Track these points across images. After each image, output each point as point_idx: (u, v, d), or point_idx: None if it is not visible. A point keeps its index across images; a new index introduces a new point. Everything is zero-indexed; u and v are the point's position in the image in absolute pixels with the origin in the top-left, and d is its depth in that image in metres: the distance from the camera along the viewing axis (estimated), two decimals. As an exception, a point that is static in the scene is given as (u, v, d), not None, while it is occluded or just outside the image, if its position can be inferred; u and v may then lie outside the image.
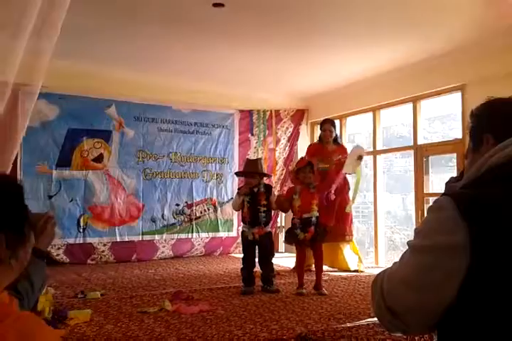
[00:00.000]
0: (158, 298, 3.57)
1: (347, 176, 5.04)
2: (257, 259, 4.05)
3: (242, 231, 4.11)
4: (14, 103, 2.33)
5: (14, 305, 0.74)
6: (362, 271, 4.84)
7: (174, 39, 4.56)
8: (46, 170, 5.24)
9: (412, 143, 5.41)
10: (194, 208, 6.15)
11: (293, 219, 4.00)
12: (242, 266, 4.03)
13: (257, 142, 6.66)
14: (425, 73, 5.09)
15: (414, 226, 5.36)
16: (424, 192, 5.16)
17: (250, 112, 6.60)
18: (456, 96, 4.95)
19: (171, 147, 6.04)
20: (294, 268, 4.77)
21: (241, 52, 4.94)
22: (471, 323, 0.81)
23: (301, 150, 6.84)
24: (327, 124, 5.03)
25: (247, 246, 4.03)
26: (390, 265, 0.97)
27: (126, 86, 5.53)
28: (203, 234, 6.19)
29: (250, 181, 4.02)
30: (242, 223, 4.22)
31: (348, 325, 2.77)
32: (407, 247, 0.93)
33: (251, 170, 4.05)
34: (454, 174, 4.95)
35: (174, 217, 6.02)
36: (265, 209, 3.97)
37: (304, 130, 6.99)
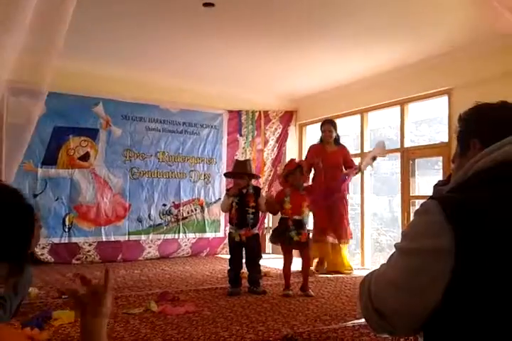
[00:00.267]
0: (144, 298, 3.54)
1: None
2: (244, 261, 4.04)
3: (229, 233, 4.10)
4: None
5: None
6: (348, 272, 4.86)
7: (163, 39, 4.54)
8: (31, 168, 5.16)
9: (399, 146, 5.47)
10: (181, 208, 6.12)
11: (282, 219, 3.97)
12: (228, 267, 4.02)
13: (245, 143, 6.65)
14: (413, 77, 5.15)
15: (401, 229, 5.41)
16: (411, 194, 5.21)
17: (239, 113, 6.60)
18: (443, 100, 5.01)
19: (158, 146, 6.01)
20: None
21: (231, 53, 4.93)
22: (456, 326, 0.82)
23: (290, 152, 6.87)
24: (327, 125, 5.01)
25: (234, 247, 4.02)
26: (376, 266, 0.98)
27: (114, 84, 5.48)
28: (190, 235, 6.16)
29: (239, 182, 4.01)
30: (229, 224, 4.20)
31: (334, 326, 2.78)
32: (395, 249, 0.94)
33: (240, 171, 4.04)
34: (440, 177, 5.02)
35: (161, 217, 5.98)
36: (253, 210, 3.95)
37: (293, 131, 7.01)
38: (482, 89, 4.14)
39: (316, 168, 4.90)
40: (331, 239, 4.83)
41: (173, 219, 6.05)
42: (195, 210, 6.23)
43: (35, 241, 1.31)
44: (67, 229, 5.36)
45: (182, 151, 6.18)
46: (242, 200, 3.96)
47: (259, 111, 6.71)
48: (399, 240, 0.93)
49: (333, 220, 4.86)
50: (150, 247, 5.88)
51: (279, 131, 6.86)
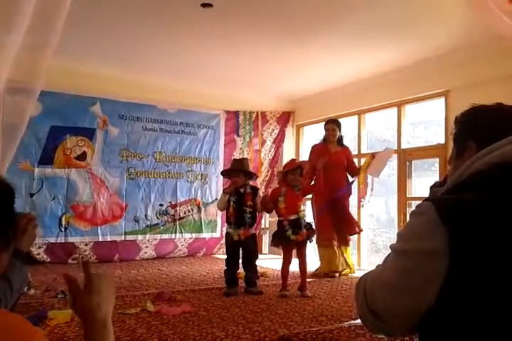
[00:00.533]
0: (140, 298, 3.54)
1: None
2: (240, 261, 4.04)
3: (227, 233, 4.09)
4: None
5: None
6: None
7: (162, 38, 4.54)
8: (28, 167, 5.15)
9: (395, 147, 5.48)
10: (178, 208, 6.11)
11: (280, 221, 3.98)
12: (225, 267, 4.02)
13: (242, 143, 6.66)
14: (410, 79, 5.17)
15: (397, 230, 5.42)
16: (407, 195, 5.22)
17: (236, 113, 6.60)
18: (440, 102, 5.03)
19: (155, 146, 6.00)
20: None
21: (228, 53, 4.94)
22: (450, 326, 0.83)
23: (287, 152, 6.88)
24: (330, 124, 4.93)
25: (231, 247, 4.03)
26: (372, 267, 0.99)
27: (112, 84, 5.47)
28: (187, 235, 6.16)
29: (236, 180, 4.01)
30: (226, 224, 4.20)
31: (330, 327, 2.78)
32: (390, 250, 0.94)
33: (236, 168, 4.05)
34: (437, 178, 5.03)
35: (157, 217, 5.98)
36: (251, 210, 3.96)
37: (290, 132, 7.02)
38: (479, 91, 4.16)
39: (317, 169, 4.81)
40: (335, 243, 4.77)
41: (169, 219, 6.05)
42: (192, 210, 6.23)
43: (31, 239, 1.31)
44: (63, 229, 5.35)
45: (179, 151, 6.17)
46: (240, 199, 3.96)
47: (257, 112, 6.72)
48: (395, 241, 0.94)
49: (337, 223, 4.78)
50: (147, 247, 5.87)
51: (277, 131, 6.86)
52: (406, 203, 5.21)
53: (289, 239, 3.85)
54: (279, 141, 6.88)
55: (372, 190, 4.82)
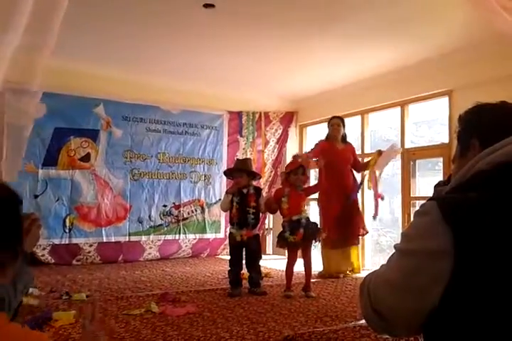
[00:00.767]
0: (145, 299, 3.54)
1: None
2: (244, 261, 4.04)
3: (230, 233, 4.09)
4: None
5: (1, 318, 0.73)
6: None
7: (164, 39, 4.55)
8: (32, 169, 5.17)
9: (399, 147, 5.46)
10: (181, 209, 6.12)
11: (283, 221, 3.98)
12: (229, 268, 4.02)
13: (245, 143, 6.66)
14: (413, 78, 5.15)
15: (401, 230, 5.40)
16: (411, 195, 5.21)
17: (240, 114, 6.60)
18: (444, 101, 5.01)
19: (159, 147, 6.01)
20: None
21: (231, 54, 4.94)
22: (455, 326, 0.82)
23: (290, 153, 6.86)
24: (335, 119, 4.89)
25: (235, 248, 4.02)
26: (376, 267, 0.98)
27: (115, 85, 5.49)
28: (190, 236, 6.16)
29: (239, 180, 4.00)
30: (229, 224, 4.20)
31: (335, 327, 2.77)
32: (394, 250, 0.94)
33: (239, 168, 4.05)
34: (441, 178, 5.00)
35: (161, 218, 5.98)
36: (254, 211, 3.95)
37: (293, 132, 7.01)
38: (482, 91, 4.14)
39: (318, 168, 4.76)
40: (340, 243, 4.74)
41: (173, 220, 6.06)
42: (196, 211, 6.24)
43: (35, 240, 1.31)
44: (67, 230, 5.36)
45: (182, 152, 6.18)
46: (243, 200, 3.95)
47: (260, 112, 6.72)
48: (399, 241, 0.94)
49: (344, 224, 4.72)
50: (150, 248, 5.88)
51: (280, 132, 6.86)
52: (410, 203, 5.19)
53: (287, 240, 3.84)
54: (282, 141, 6.87)
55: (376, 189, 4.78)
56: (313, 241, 3.97)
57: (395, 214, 6.38)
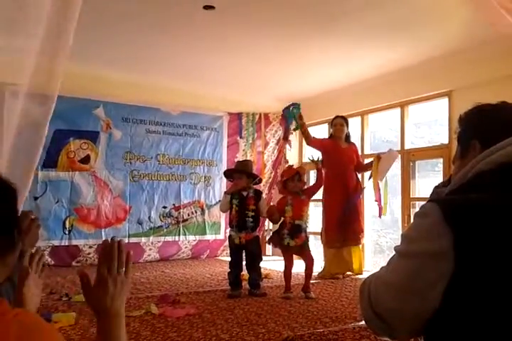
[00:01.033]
0: (144, 301, 3.54)
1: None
2: (244, 263, 4.03)
3: (230, 235, 4.09)
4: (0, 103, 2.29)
5: (5, 304, 0.74)
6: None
7: (164, 41, 4.55)
8: (32, 170, 5.16)
9: (399, 148, 5.46)
10: (181, 210, 6.12)
11: (283, 222, 3.97)
12: (229, 269, 4.01)
13: (245, 145, 6.66)
14: (413, 79, 5.15)
15: (401, 230, 5.40)
16: (411, 196, 5.20)
17: (239, 115, 6.60)
18: (443, 102, 5.01)
19: (159, 149, 6.01)
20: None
21: (231, 55, 4.94)
22: (456, 329, 0.82)
23: (290, 154, 6.87)
24: (338, 119, 4.88)
25: (235, 250, 4.02)
26: (376, 269, 0.98)
27: (115, 87, 5.48)
28: (190, 237, 6.16)
29: (238, 182, 4.00)
30: (229, 227, 4.19)
31: (335, 328, 2.77)
32: (394, 252, 0.94)
33: (239, 170, 4.04)
34: (441, 179, 4.99)
35: (161, 220, 5.98)
36: (253, 214, 3.94)
37: (293, 133, 6.99)
38: (482, 91, 4.14)
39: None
40: (341, 244, 4.74)
41: (173, 222, 6.05)
42: (196, 212, 6.23)
43: (34, 239, 1.30)
44: (67, 232, 5.36)
45: (182, 154, 6.18)
46: (243, 203, 3.95)
47: (260, 114, 6.72)
48: (399, 242, 0.93)
49: (346, 225, 4.73)
50: (150, 249, 5.87)
51: (280, 133, 6.86)
52: (410, 204, 5.19)
53: (289, 246, 3.84)
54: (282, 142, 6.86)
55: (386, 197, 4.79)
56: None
57: (395, 214, 6.38)
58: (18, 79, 2.09)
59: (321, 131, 6.86)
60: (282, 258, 4.04)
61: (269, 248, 6.54)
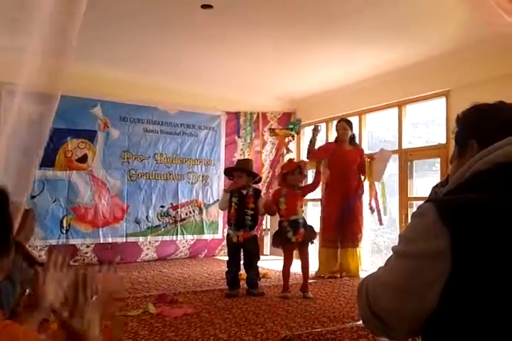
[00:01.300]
0: (142, 300, 3.53)
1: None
2: (242, 262, 4.03)
3: (228, 234, 4.09)
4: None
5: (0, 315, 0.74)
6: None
7: (162, 40, 4.54)
8: (29, 170, 5.15)
9: (396, 148, 5.47)
10: (179, 210, 6.11)
11: (280, 222, 3.99)
12: (227, 268, 4.01)
13: (243, 144, 6.65)
14: (411, 79, 5.16)
15: (398, 230, 5.41)
16: (408, 196, 5.21)
17: (237, 114, 6.60)
18: (441, 102, 5.02)
19: (156, 148, 6.00)
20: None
21: (229, 54, 4.93)
22: (454, 328, 0.82)
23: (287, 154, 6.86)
24: (341, 123, 4.92)
25: (232, 249, 4.02)
26: (373, 268, 0.98)
27: (113, 86, 5.47)
28: (188, 236, 6.15)
29: (238, 180, 4.00)
30: (227, 225, 4.19)
31: (333, 328, 2.77)
32: (392, 252, 0.94)
33: (239, 168, 4.05)
34: (438, 178, 4.99)
35: (159, 219, 5.97)
36: (252, 212, 3.94)
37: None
38: (480, 91, 4.14)
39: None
40: (338, 244, 4.75)
41: (171, 221, 6.05)
42: (194, 212, 6.23)
43: (30, 231, 1.29)
44: (64, 231, 5.35)
45: (180, 153, 6.17)
46: (242, 201, 3.95)
47: (258, 113, 6.71)
48: (396, 242, 0.93)
49: (344, 226, 4.74)
50: (148, 249, 5.87)
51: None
52: (407, 203, 5.19)
53: (290, 240, 3.85)
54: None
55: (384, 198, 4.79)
56: (310, 242, 3.98)
57: (392, 214, 6.39)
58: (20, 78, 2.09)
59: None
60: (280, 257, 4.05)
61: (266, 247, 6.55)
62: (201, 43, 4.59)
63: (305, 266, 3.95)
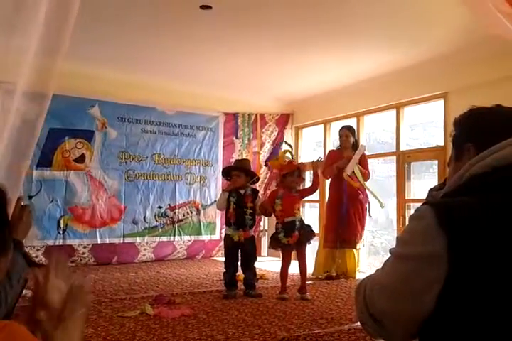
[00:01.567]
0: (139, 301, 3.53)
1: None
2: (239, 263, 4.03)
3: (226, 234, 4.08)
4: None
5: None
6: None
7: (161, 40, 4.54)
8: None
9: (394, 149, 5.48)
10: (177, 211, 6.10)
11: (277, 223, 3.99)
12: (224, 269, 4.01)
13: (241, 145, 6.65)
14: (409, 81, 5.17)
15: (396, 232, 5.42)
16: (406, 197, 5.22)
17: (235, 115, 6.60)
18: (439, 104, 5.04)
19: (154, 149, 6.00)
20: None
21: (227, 55, 4.93)
22: (451, 331, 0.82)
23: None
24: (342, 130, 5.02)
25: (230, 249, 4.01)
26: (371, 269, 0.99)
27: (111, 86, 5.47)
28: (186, 237, 6.15)
29: (236, 179, 4.00)
30: (225, 226, 4.18)
31: (330, 330, 2.77)
32: (390, 255, 0.94)
33: (237, 168, 4.05)
34: (436, 180, 4.99)
35: (156, 220, 5.96)
36: (251, 211, 3.95)
37: (289, 134, 7.01)
38: (477, 93, 4.17)
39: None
40: (335, 245, 4.77)
41: (168, 222, 6.04)
42: (191, 213, 6.22)
43: (27, 227, 1.27)
44: (61, 231, 5.33)
45: (178, 153, 6.17)
46: (240, 201, 3.95)
47: (256, 114, 6.72)
48: (394, 244, 0.94)
49: (344, 227, 4.76)
50: (145, 250, 5.86)
51: (275, 133, 6.86)
52: (405, 205, 5.20)
53: (281, 241, 3.85)
54: (277, 142, 6.87)
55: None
56: (307, 243, 3.97)
57: (390, 216, 6.39)
58: (12, 77, 2.08)
59: (316, 132, 6.88)
60: (278, 259, 4.06)
61: (264, 248, 6.55)
62: (199, 44, 4.59)
63: (303, 268, 3.95)
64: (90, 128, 5.57)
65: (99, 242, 5.52)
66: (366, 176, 4.89)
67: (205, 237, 6.28)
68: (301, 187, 4.26)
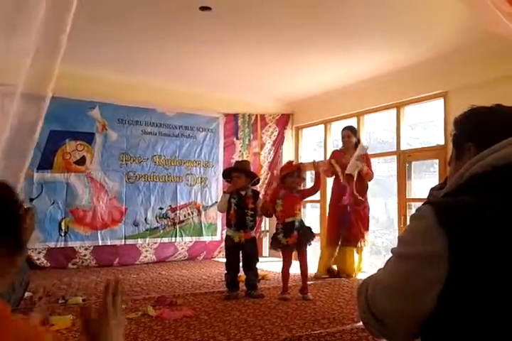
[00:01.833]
0: (141, 303, 3.53)
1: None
2: (241, 264, 4.03)
3: (227, 236, 4.08)
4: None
5: (7, 309, 0.74)
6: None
7: (160, 42, 4.54)
8: (27, 172, 5.14)
9: (395, 149, 5.48)
10: (178, 212, 6.11)
11: (277, 224, 3.99)
12: (226, 270, 4.01)
13: (241, 146, 6.66)
14: (409, 80, 5.17)
15: (397, 231, 5.42)
16: (407, 197, 5.22)
17: (235, 116, 6.60)
18: (439, 103, 5.03)
19: (155, 150, 6.00)
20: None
21: (227, 56, 4.94)
22: (453, 330, 0.82)
23: (286, 155, 6.88)
24: (344, 131, 5.05)
25: (231, 250, 4.01)
26: (372, 269, 0.99)
27: (111, 88, 5.47)
28: (187, 238, 6.15)
29: (236, 181, 4.00)
30: (226, 227, 4.18)
31: (332, 330, 2.77)
32: (391, 254, 0.94)
33: (237, 170, 4.05)
34: (436, 179, 4.98)
35: (157, 221, 5.97)
36: (252, 212, 3.95)
37: (289, 134, 7.02)
38: (478, 93, 4.17)
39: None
40: (340, 244, 4.79)
41: (169, 223, 6.04)
42: (192, 214, 6.22)
43: (30, 230, 1.28)
44: (63, 234, 5.34)
45: (178, 155, 6.17)
46: (241, 202, 3.95)
47: (256, 115, 6.72)
48: (395, 243, 0.94)
49: (345, 227, 4.77)
50: (147, 251, 5.86)
51: (276, 134, 6.86)
52: (406, 204, 5.20)
53: (281, 242, 3.85)
54: (278, 143, 6.88)
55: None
56: (307, 244, 3.97)
57: (391, 215, 6.39)
58: (10, 79, 2.08)
59: (317, 132, 6.88)
60: (279, 259, 4.05)
61: (265, 249, 6.55)
62: (199, 45, 4.59)
63: (304, 268, 3.94)
64: (91, 130, 5.57)
65: (100, 244, 5.52)
66: (369, 176, 4.88)
67: (206, 238, 6.29)
68: (302, 188, 4.25)
